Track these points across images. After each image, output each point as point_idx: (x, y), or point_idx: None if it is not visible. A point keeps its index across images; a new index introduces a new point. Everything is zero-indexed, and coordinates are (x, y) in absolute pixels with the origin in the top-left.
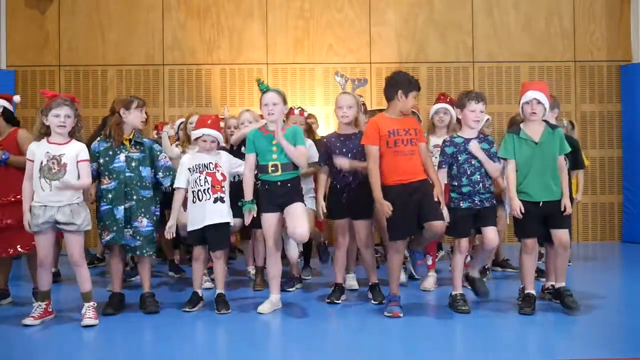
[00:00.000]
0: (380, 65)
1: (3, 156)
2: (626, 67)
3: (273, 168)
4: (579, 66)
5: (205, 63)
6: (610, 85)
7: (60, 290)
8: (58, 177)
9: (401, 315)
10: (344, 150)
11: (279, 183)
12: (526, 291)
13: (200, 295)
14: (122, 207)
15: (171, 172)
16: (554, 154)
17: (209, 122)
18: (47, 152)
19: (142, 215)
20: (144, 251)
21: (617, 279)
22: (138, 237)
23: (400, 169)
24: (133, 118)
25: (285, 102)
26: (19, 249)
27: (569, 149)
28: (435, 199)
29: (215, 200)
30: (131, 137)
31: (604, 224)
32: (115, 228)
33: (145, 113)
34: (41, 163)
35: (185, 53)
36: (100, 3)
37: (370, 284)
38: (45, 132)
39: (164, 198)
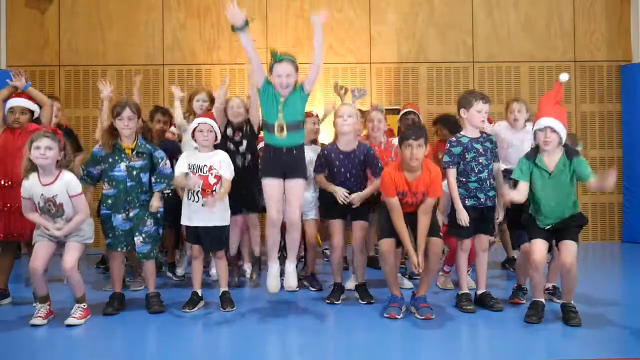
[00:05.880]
0: (380, 65)
1: (26, 83)
2: (626, 67)
3: (279, 128)
4: (579, 66)
5: (205, 63)
6: (610, 85)
7: (62, 291)
8: (59, 215)
9: (398, 317)
10: (342, 167)
11: (284, 149)
12: (534, 298)
13: (200, 295)
14: (121, 215)
15: (166, 180)
16: (567, 185)
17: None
18: (42, 194)
19: (148, 217)
20: (154, 254)
21: (617, 279)
22: (148, 241)
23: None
24: (119, 127)
25: (297, 71)
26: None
27: (590, 177)
28: (414, 265)
29: (204, 204)
30: (133, 146)
31: (604, 224)
32: (111, 234)
33: (143, 121)
34: (38, 204)
35: (185, 53)
36: (100, 3)
37: (356, 283)
38: (31, 168)
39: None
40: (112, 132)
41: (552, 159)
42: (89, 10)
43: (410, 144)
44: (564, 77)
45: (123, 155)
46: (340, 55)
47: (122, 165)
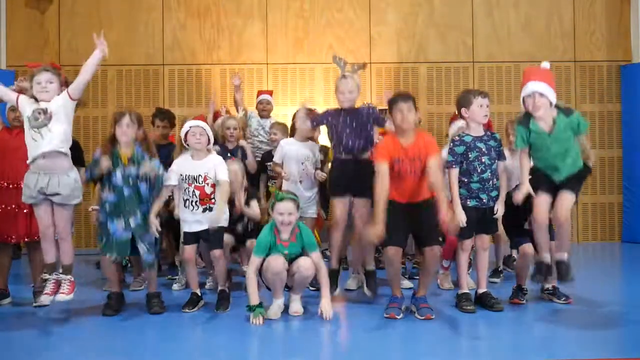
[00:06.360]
0: (380, 65)
1: None
2: (626, 67)
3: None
4: (579, 66)
5: (205, 63)
6: (610, 85)
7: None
8: (45, 123)
9: (398, 317)
10: (348, 121)
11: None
12: (539, 259)
13: (200, 294)
14: (120, 224)
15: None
16: (569, 141)
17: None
18: (34, 107)
19: (150, 227)
20: (156, 261)
21: (617, 279)
22: (151, 250)
23: (402, 190)
24: (118, 134)
25: (298, 208)
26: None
27: (587, 126)
28: (441, 220)
29: (204, 210)
30: (130, 155)
31: (604, 224)
32: (105, 240)
33: (141, 127)
34: (28, 117)
35: (185, 53)
36: (100, 3)
37: (366, 269)
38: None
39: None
40: (112, 141)
41: (547, 121)
42: (89, 10)
43: (400, 108)
44: (545, 64)
45: (120, 162)
46: (340, 55)
47: (118, 173)
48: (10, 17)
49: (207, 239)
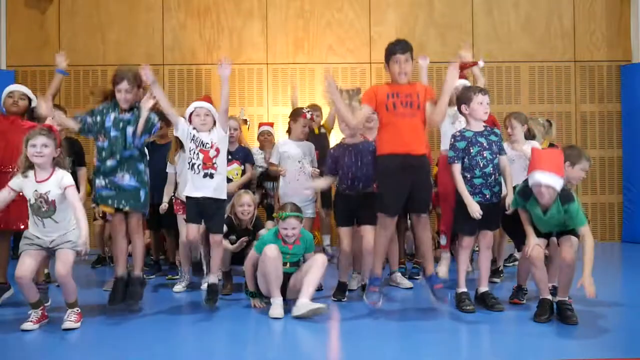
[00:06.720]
0: (380, 65)
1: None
2: (626, 67)
3: (284, 266)
4: (579, 66)
5: (205, 63)
6: (610, 85)
7: (57, 293)
8: (48, 214)
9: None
10: (351, 160)
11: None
12: (541, 297)
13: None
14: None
15: (151, 123)
16: (560, 224)
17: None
18: (35, 190)
19: (125, 171)
20: (121, 204)
21: (617, 279)
22: (112, 189)
23: (399, 135)
24: (117, 97)
25: (302, 222)
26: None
27: (584, 222)
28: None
29: (205, 176)
30: (130, 107)
31: (604, 224)
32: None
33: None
34: (30, 201)
35: (185, 53)
36: (100, 3)
37: (362, 283)
38: (29, 165)
39: (155, 218)
40: (112, 95)
41: (544, 205)
42: (89, 10)
43: (397, 59)
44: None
45: (116, 107)
46: (340, 55)
47: (112, 116)
48: (10, 17)
49: (208, 226)
